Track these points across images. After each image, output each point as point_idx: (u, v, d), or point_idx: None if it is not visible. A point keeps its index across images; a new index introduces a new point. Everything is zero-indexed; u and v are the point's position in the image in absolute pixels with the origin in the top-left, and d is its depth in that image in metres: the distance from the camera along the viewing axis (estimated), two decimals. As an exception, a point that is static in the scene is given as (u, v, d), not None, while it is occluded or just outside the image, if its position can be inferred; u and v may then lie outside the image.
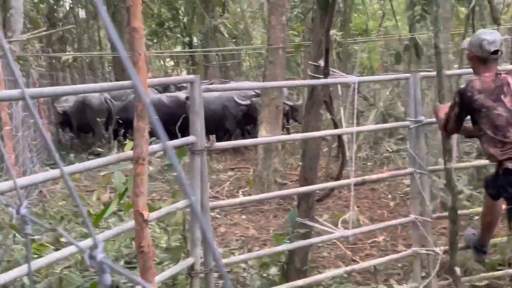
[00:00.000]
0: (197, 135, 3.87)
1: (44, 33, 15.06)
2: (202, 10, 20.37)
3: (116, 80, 16.31)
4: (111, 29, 0.80)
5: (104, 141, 12.61)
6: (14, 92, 2.82)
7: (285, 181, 9.41)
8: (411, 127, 4.89)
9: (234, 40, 24.09)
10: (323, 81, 4.84)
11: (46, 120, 12.02)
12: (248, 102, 13.05)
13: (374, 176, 6.10)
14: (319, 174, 9.33)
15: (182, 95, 13.50)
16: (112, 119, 13.31)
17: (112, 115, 13.29)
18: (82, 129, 13.96)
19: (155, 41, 26.26)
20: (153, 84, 4.29)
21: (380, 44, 18.63)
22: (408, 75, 5.00)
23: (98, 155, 10.56)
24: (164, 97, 13.50)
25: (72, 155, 12.41)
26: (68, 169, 2.93)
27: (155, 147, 3.44)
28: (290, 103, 13.51)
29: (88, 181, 10.35)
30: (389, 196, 8.75)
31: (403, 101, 12.68)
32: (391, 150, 11.39)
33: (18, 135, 8.44)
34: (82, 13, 26.03)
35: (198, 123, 3.85)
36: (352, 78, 4.83)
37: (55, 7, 24.20)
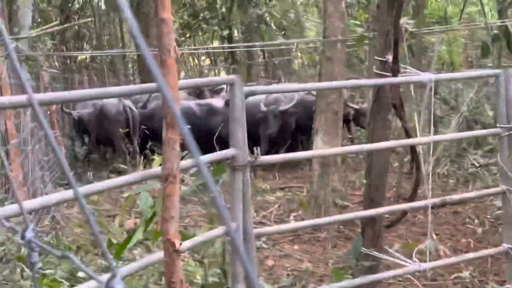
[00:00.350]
0: (239, 148, 3.89)
1: (57, 28, 15.39)
2: (244, -4, 20.53)
3: (142, 83, 16.50)
4: (129, 19, 0.81)
5: (128, 157, 12.77)
6: (21, 98, 2.87)
7: (346, 203, 9.34)
8: (502, 135, 4.81)
9: (283, 32, 24.16)
10: (391, 80, 4.80)
11: (59, 131, 12.26)
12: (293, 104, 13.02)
13: (456, 197, 6.01)
14: (388, 194, 9.23)
15: (216, 102, 13.57)
16: (134, 130, 13.46)
17: (132, 125, 13.45)
18: (100, 141, 14.16)
19: (187, 35, 26.57)
20: (184, 86, 4.33)
21: (463, 34, 18.40)
22: (498, 71, 4.92)
23: (121, 172, 10.69)
24: (194, 105, 13.59)
25: (90, 173, 12.61)
26: (83, 189, 2.98)
27: (188, 162, 3.47)
28: (356, 106, 13.47)
29: (109, 204, 10.48)
30: (476, 221, 8.60)
31: (492, 104, 12.47)
32: (477, 165, 11.20)
33: (27, 149, 8.61)
34: (101, 4, 26.55)
35: (239, 132, 3.87)
36: (428, 76, 4.78)
37: (69, -3, 24.76)
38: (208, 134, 11.32)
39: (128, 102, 13.70)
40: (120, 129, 13.23)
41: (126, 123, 13.43)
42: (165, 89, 0.94)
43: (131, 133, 13.47)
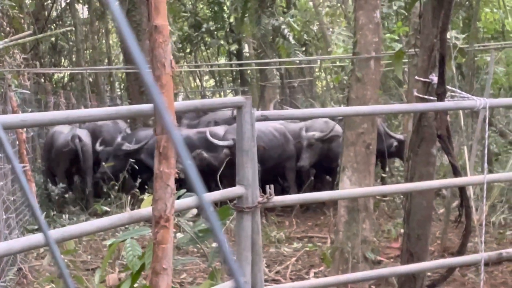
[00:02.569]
0: (247, 185, 3.88)
1: (29, 39, 15.52)
2: (257, 5, 20.66)
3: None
4: (124, 27, 0.81)
5: (113, 196, 12.81)
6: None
7: (379, 258, 9.28)
8: None
9: (303, 48, 24.28)
10: (436, 105, 4.79)
11: (29, 165, 12.31)
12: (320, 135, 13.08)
13: (516, 251, 5.96)
14: (432, 247, 9.17)
15: (220, 130, 13.69)
16: (85, 164, 13.95)
17: (83, 158, 13.90)
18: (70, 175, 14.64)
19: (188, 50, 26.70)
20: (181, 109, 4.34)
21: (524, 52, 18.42)
22: None
23: (103, 215, 10.70)
24: (193, 133, 13.70)
25: (65, 215, 12.61)
26: (56, 234, 2.96)
27: (185, 202, 3.46)
28: (401, 137, 13.40)
29: (89, 254, 10.46)
30: (540, 281, 8.52)
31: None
32: (542, 212, 11.14)
33: (-11, 186, 8.63)
34: (83, 12, 26.78)
35: (248, 167, 3.86)
36: (482, 101, 4.77)
37: (45, 3, 24.95)
38: (210, 172, 11.37)
39: (81, 132, 14.12)
40: (66, 163, 13.73)
41: (74, 156, 13.83)
42: (163, 110, 0.93)
43: (79, 167, 13.90)
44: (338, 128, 13.21)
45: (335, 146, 13.07)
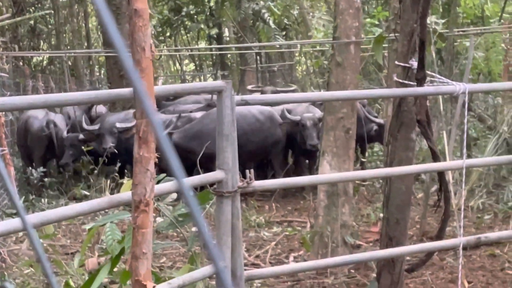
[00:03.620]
0: (227, 170, 3.87)
1: (7, 22, 15.40)
2: (238, -12, 20.60)
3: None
4: (103, 10, 0.80)
5: (92, 180, 12.77)
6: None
7: (358, 242, 9.31)
8: (550, 160, 4.81)
9: (284, 33, 24.25)
10: (416, 90, 4.80)
11: (8, 149, 12.24)
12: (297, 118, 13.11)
13: (494, 235, 6.01)
14: (411, 232, 9.21)
15: (197, 115, 13.64)
16: (59, 150, 13.94)
17: (57, 144, 13.89)
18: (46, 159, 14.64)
19: (167, 34, 26.60)
20: (160, 93, 4.32)
21: (504, 37, 18.47)
22: (545, 82, 4.94)
23: (82, 199, 10.65)
24: (175, 118, 13.63)
25: (44, 200, 12.57)
26: (33, 218, 2.95)
27: (164, 187, 3.45)
28: (379, 120, 13.41)
29: (68, 238, 10.44)
30: (518, 266, 8.58)
31: (538, 122, 12.50)
32: (520, 197, 11.20)
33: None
34: (63, -6, 26.58)
35: (228, 151, 3.86)
36: (461, 86, 4.78)
37: (24, -16, 24.77)
38: (190, 156, 11.36)
39: (56, 117, 14.10)
40: (42, 149, 13.75)
41: (49, 142, 13.81)
42: (142, 94, 0.93)
43: (53, 151, 13.91)
44: (316, 111, 13.25)
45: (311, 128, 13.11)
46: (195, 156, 12.42)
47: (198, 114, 13.66)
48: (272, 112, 13.34)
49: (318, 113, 13.19)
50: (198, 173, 4.24)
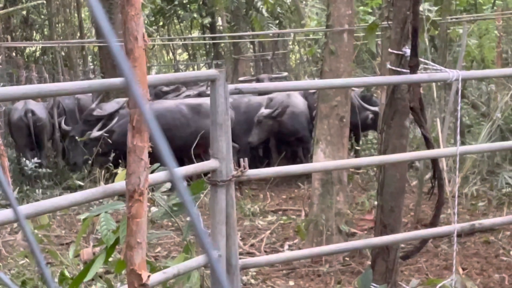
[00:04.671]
0: (221, 159, 3.87)
1: (0, 12, 15.38)
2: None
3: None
4: (93, 1, 0.80)
5: (86, 170, 12.77)
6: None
7: (353, 230, 9.32)
8: (544, 146, 4.82)
9: (277, 21, 24.22)
10: (409, 78, 4.80)
11: (1, 139, 12.25)
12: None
13: (488, 222, 6.02)
14: (405, 219, 9.22)
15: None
16: (38, 140, 14.02)
17: (36, 133, 13.98)
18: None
19: (160, 23, 26.56)
20: (154, 82, 4.32)
21: (497, 25, 18.47)
22: (538, 68, 4.94)
23: (77, 190, 10.66)
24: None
25: (39, 190, 12.56)
26: (27, 209, 2.94)
27: (159, 176, 3.45)
28: (375, 108, 13.40)
29: (63, 229, 10.44)
30: (512, 252, 8.60)
31: (531, 109, 12.51)
32: (514, 184, 11.22)
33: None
34: (55, -16, 26.49)
35: (222, 140, 3.85)
36: (454, 74, 4.78)
37: (16, -26, 24.68)
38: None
39: (36, 106, 14.13)
40: (22, 139, 13.82)
41: (28, 131, 13.86)
42: (133, 84, 0.92)
43: (31, 140, 13.99)
44: (295, 102, 13.24)
45: (287, 120, 13.07)
46: (114, 147, 12.47)
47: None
48: (201, 105, 13.16)
49: (299, 102, 13.22)
50: (192, 163, 4.24)
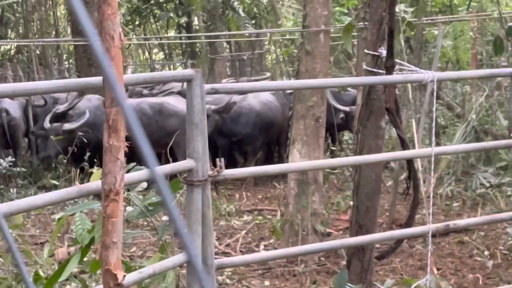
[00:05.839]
0: (197, 159, 3.87)
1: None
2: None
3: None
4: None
5: (61, 169, 12.70)
6: None
7: (329, 230, 9.34)
8: (518, 147, 4.85)
9: (253, 21, 24.23)
10: (385, 78, 4.82)
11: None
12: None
13: (462, 222, 6.05)
14: (380, 219, 9.25)
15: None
16: (12, 139, 13.94)
17: (10, 133, 13.91)
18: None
19: (136, 23, 26.49)
20: (130, 82, 4.31)
21: (472, 26, 18.57)
22: (513, 70, 4.97)
23: (51, 189, 10.59)
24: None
25: (13, 189, 12.49)
26: (3, 207, 2.93)
27: (135, 175, 3.44)
28: (346, 108, 13.43)
29: (37, 228, 10.38)
30: (486, 252, 8.65)
31: (505, 111, 12.58)
32: (488, 185, 11.27)
33: None
34: (30, -18, 26.34)
35: (198, 140, 3.85)
36: (429, 75, 4.81)
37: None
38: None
39: (10, 105, 14.07)
40: None
41: (2, 130, 13.78)
42: (114, 83, 0.92)
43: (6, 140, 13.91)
44: (250, 103, 13.22)
45: (232, 119, 13.02)
46: (89, 146, 12.46)
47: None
48: (162, 105, 13.13)
49: (254, 105, 13.17)
50: (167, 162, 4.24)
